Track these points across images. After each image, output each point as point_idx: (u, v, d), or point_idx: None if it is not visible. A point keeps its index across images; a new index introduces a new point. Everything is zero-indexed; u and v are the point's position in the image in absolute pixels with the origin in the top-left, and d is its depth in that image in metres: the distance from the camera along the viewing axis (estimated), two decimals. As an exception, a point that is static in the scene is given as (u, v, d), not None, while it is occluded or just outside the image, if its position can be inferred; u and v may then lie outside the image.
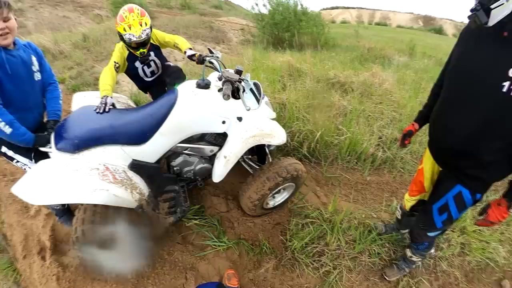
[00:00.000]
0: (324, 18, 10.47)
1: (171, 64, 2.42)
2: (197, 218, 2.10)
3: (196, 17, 11.24)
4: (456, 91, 1.21)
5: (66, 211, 2.08)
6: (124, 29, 1.99)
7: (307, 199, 2.36)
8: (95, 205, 1.48)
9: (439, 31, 39.83)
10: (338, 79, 4.27)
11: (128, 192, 1.45)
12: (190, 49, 2.11)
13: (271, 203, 2.11)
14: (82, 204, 1.63)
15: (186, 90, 1.67)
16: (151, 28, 2.11)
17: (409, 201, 1.75)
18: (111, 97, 1.79)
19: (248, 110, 1.49)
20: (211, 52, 1.93)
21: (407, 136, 1.62)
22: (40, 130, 1.66)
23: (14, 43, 1.50)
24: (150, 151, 1.61)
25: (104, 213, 1.53)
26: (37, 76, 1.64)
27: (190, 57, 2.04)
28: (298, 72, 4.44)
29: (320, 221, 2.12)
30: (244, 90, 1.67)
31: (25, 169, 1.69)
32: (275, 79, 4.04)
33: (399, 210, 1.92)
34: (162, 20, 10.50)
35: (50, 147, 1.55)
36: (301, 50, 7.22)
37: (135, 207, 1.51)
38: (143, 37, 2.03)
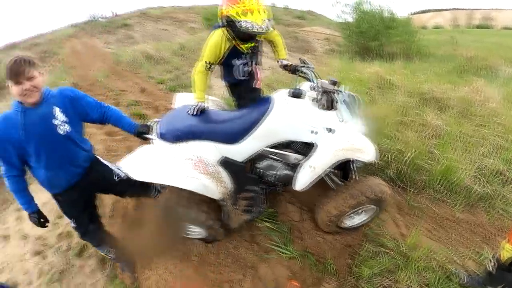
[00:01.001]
0: (414, 24, 9.50)
1: (257, 83, 2.28)
2: (269, 221, 2.14)
3: (281, 27, 11.60)
4: None
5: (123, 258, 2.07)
6: (238, 14, 1.60)
7: (385, 226, 2.16)
8: (181, 189, 1.63)
9: None
10: (432, 94, 3.81)
11: (215, 184, 1.59)
12: (284, 59, 2.14)
13: (348, 223, 2.02)
14: (163, 186, 1.88)
15: (280, 98, 1.75)
16: None
17: (508, 251, 1.45)
18: (204, 103, 1.87)
19: (342, 122, 1.48)
20: (304, 62, 1.96)
21: None
22: (83, 182, 1.66)
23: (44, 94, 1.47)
24: (240, 151, 1.74)
25: (188, 198, 1.72)
26: (64, 128, 1.50)
27: (284, 67, 2.09)
28: (388, 84, 4.14)
29: (394, 253, 1.93)
30: (338, 102, 1.67)
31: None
32: (363, 91, 3.85)
33: (493, 260, 1.59)
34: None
35: (154, 134, 1.81)
36: (391, 60, 6.71)
37: (218, 198, 1.64)
38: (264, 29, 1.66)
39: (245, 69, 2.13)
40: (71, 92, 1.62)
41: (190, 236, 2.02)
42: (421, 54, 7.85)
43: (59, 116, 1.49)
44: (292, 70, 2.00)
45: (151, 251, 2.04)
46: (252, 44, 1.90)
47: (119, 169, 1.84)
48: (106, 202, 2.51)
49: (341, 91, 1.70)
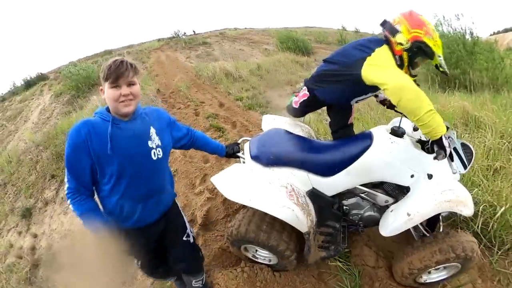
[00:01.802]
0: (499, 46, 8.11)
1: (351, 118, 2.11)
2: (341, 261, 2.02)
3: (353, 51, 11.47)
4: None
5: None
6: (436, 46, 1.51)
7: None
8: (265, 214, 1.62)
9: None
10: None
11: (305, 217, 1.55)
12: (380, 93, 2.01)
13: (425, 277, 1.82)
14: (245, 206, 1.85)
15: (382, 135, 1.67)
16: None
17: None
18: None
19: (455, 173, 1.36)
20: None
21: None
22: (156, 227, 1.42)
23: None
24: (332, 185, 1.70)
25: (271, 224, 1.72)
26: (157, 153, 1.29)
27: (382, 102, 2.01)
28: (475, 122, 3.68)
29: None
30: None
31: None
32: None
33: None
34: (321, 55, 11.30)
35: (243, 153, 1.87)
36: (475, 91, 5.95)
37: (304, 232, 1.60)
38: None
39: (361, 98, 1.86)
40: (166, 114, 1.47)
41: (257, 260, 2.01)
42: (510, 84, 6.80)
43: (155, 138, 1.30)
44: (389, 105, 1.91)
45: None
46: (415, 78, 1.67)
47: (191, 230, 1.66)
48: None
49: (451, 138, 1.57)
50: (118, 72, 1.14)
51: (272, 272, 1.97)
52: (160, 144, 1.31)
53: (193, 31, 22.04)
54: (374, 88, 1.66)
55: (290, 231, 1.73)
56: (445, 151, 1.34)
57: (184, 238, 1.57)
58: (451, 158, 1.42)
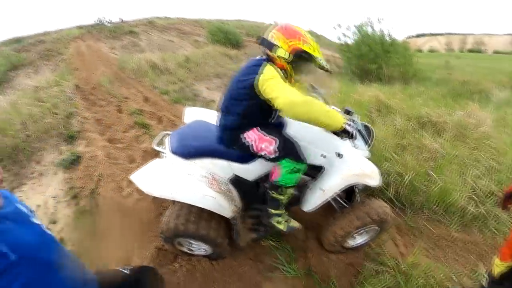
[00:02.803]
0: (411, 48, 9.85)
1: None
2: (274, 240, 2.16)
3: (281, 48, 11.95)
4: None
5: None
6: (314, 50, 1.55)
7: (385, 246, 2.23)
8: (191, 206, 1.63)
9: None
10: (429, 118, 4.00)
11: (229, 203, 1.61)
12: None
13: (351, 242, 2.07)
14: (174, 202, 1.83)
15: (292, 122, 1.81)
16: None
17: (499, 266, 1.53)
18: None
19: (355, 147, 1.55)
20: (313, 87, 2.00)
21: (510, 197, 1.42)
22: None
23: None
24: (252, 170, 1.77)
25: (199, 214, 1.73)
26: (50, 231, 0.88)
27: None
28: (387, 108, 4.30)
29: (394, 271, 1.98)
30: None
31: None
32: (363, 113, 3.98)
33: (486, 277, 1.69)
34: (252, 49, 11.51)
35: (164, 148, 1.83)
36: (389, 83, 6.94)
37: (230, 217, 1.66)
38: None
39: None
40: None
41: (194, 253, 2.02)
42: (418, 78, 8.16)
43: (32, 214, 0.89)
44: None
45: None
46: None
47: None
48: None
49: (355, 121, 1.76)
50: None
51: (210, 262, 2.00)
52: (41, 222, 0.88)
53: (120, 19, 20.01)
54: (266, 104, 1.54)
55: (218, 218, 1.76)
56: (349, 134, 1.46)
57: (126, 271, 1.19)
58: (354, 137, 1.56)
